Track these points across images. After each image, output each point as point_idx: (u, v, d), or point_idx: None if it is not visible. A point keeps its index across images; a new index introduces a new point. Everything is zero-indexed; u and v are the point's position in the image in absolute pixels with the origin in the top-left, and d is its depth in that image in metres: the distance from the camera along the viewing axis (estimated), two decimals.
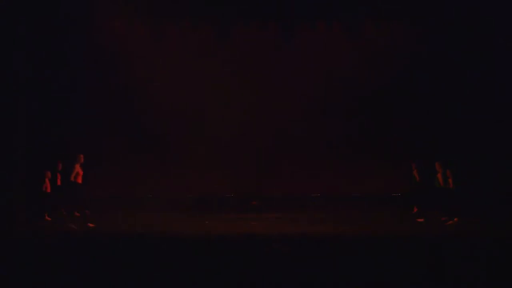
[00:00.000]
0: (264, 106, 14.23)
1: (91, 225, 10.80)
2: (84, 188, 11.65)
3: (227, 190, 14.20)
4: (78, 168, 11.14)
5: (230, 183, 14.11)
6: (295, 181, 14.05)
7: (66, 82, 13.40)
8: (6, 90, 11.48)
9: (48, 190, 12.04)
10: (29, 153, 12.10)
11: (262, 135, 14.18)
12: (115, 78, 13.63)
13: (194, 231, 10.04)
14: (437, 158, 12.00)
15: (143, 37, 13.80)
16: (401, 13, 13.42)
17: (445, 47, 13.55)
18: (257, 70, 14.24)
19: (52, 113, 13.26)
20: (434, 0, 12.97)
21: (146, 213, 12.29)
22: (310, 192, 14.15)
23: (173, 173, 13.87)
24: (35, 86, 12.70)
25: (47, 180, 12.04)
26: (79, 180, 11.10)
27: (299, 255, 7.22)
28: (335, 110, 14.14)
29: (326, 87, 14.01)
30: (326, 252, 7.43)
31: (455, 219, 11.25)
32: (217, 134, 13.82)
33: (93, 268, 6.19)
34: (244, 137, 14.11)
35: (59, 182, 12.22)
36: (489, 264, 6.29)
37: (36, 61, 12.67)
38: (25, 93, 12.19)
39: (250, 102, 14.07)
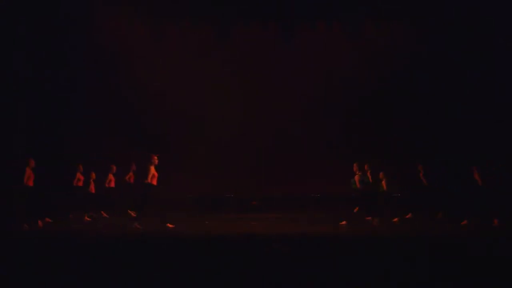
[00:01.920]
0: (264, 106, 14.26)
1: (170, 225, 10.51)
2: (157, 190, 11.08)
3: (227, 190, 14.22)
4: (152, 170, 10.76)
5: (230, 183, 14.12)
6: (295, 181, 14.05)
7: (66, 82, 13.41)
8: (6, 90, 11.48)
9: (93, 191, 12.37)
10: (29, 153, 12.09)
11: (262, 135, 14.19)
12: (115, 78, 13.65)
13: (194, 231, 10.03)
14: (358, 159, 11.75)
15: (143, 37, 13.83)
16: (401, 13, 13.45)
17: (445, 47, 13.57)
18: (257, 70, 14.27)
19: (52, 113, 13.26)
20: (434, 0, 12.98)
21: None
22: (310, 192, 14.16)
23: (173, 173, 13.86)
24: (35, 86, 12.69)
25: (91, 181, 12.35)
26: (154, 182, 10.86)
27: (299, 255, 7.21)
28: (335, 110, 14.15)
29: (326, 87, 14.04)
30: (326, 252, 7.42)
31: (374, 220, 11.15)
32: (217, 134, 13.82)
33: (93, 268, 6.19)
34: (244, 137, 14.13)
35: (132, 181, 12.64)
36: (489, 264, 6.30)
37: (36, 61, 12.66)
38: (25, 93, 12.19)
39: (250, 102, 14.08)
